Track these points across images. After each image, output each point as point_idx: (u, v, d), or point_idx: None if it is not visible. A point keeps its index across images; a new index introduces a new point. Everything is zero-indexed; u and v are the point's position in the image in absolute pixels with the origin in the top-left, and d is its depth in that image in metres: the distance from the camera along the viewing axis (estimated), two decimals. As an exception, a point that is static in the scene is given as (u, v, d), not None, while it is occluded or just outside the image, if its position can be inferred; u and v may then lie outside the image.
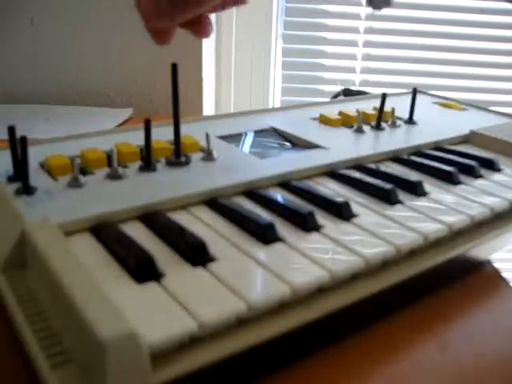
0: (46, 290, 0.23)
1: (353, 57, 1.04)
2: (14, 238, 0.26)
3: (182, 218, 0.29)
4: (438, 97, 0.61)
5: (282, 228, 0.29)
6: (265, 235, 0.28)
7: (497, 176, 0.39)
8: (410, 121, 0.49)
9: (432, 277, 0.29)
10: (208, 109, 0.89)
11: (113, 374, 0.18)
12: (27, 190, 0.30)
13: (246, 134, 0.44)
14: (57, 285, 0.21)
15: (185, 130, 0.38)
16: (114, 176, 0.33)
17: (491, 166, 0.40)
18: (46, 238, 0.24)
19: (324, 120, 0.48)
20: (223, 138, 0.42)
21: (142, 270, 0.24)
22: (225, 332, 0.22)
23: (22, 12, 0.81)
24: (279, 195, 0.33)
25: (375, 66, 1.05)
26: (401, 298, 0.29)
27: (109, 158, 0.34)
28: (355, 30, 1.03)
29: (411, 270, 0.28)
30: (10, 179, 0.32)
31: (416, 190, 0.35)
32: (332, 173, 0.37)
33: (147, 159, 0.35)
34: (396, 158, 0.41)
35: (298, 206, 0.31)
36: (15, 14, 0.81)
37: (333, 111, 0.49)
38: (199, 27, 0.36)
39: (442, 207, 0.33)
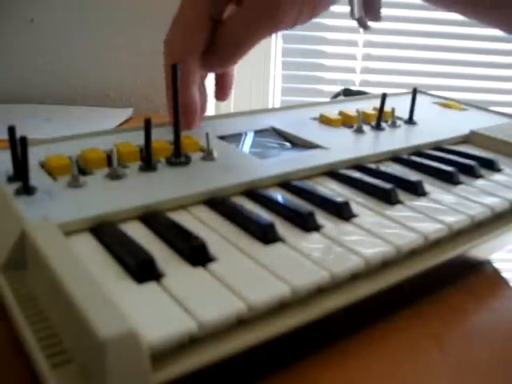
0: (46, 290, 0.23)
1: (353, 57, 1.05)
2: (13, 238, 0.26)
3: (181, 218, 0.29)
4: (438, 97, 0.61)
5: (282, 228, 0.29)
6: (265, 235, 0.28)
7: (497, 176, 0.39)
8: (410, 121, 0.49)
9: (432, 277, 0.29)
10: (208, 109, 0.89)
11: (113, 373, 0.18)
12: (27, 189, 0.30)
13: (245, 134, 0.44)
14: (57, 285, 0.21)
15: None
16: (114, 176, 0.33)
17: (491, 165, 0.40)
18: (46, 238, 0.24)
19: (324, 120, 0.48)
20: (223, 138, 0.42)
21: (142, 269, 0.24)
22: (225, 332, 0.22)
23: (22, 12, 0.81)
24: (279, 195, 0.33)
25: (375, 66, 1.05)
26: (401, 298, 0.29)
27: (109, 158, 0.34)
28: (355, 30, 1.03)
29: (411, 270, 0.28)
30: (10, 179, 0.32)
31: (416, 190, 0.35)
32: (332, 173, 0.37)
33: (147, 159, 0.35)
34: (396, 157, 0.41)
35: (298, 206, 0.31)
36: (15, 14, 0.81)
37: (333, 111, 0.49)
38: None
39: (442, 207, 0.33)
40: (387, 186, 0.34)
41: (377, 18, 0.42)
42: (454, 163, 0.39)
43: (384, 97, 0.46)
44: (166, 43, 0.40)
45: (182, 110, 0.38)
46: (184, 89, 0.39)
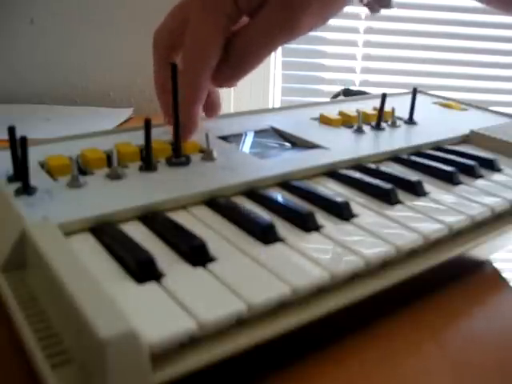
0: (46, 290, 0.23)
1: (353, 57, 1.04)
2: (13, 238, 0.26)
3: (182, 218, 0.29)
4: (438, 97, 0.61)
5: (282, 228, 0.29)
6: (265, 235, 0.28)
7: (497, 176, 0.39)
8: (410, 121, 0.49)
9: (432, 277, 0.29)
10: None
11: (113, 373, 0.18)
12: (27, 189, 0.30)
13: (245, 134, 0.44)
14: (57, 285, 0.21)
15: (185, 129, 0.38)
16: (114, 176, 0.33)
17: (491, 165, 0.40)
18: (46, 238, 0.24)
19: (324, 120, 0.48)
20: (223, 138, 0.42)
21: (142, 269, 0.24)
22: (225, 332, 0.22)
23: (22, 12, 0.81)
24: (279, 195, 0.33)
25: (375, 66, 1.05)
26: (401, 298, 0.29)
27: (109, 158, 0.34)
28: (355, 30, 1.03)
29: (411, 270, 0.28)
30: (10, 179, 0.32)
31: (416, 190, 0.35)
32: (332, 173, 0.37)
33: (147, 159, 0.35)
34: (396, 157, 0.41)
35: (298, 206, 0.31)
36: (15, 14, 0.81)
37: (333, 111, 0.49)
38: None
39: (442, 207, 0.33)
40: (387, 185, 0.34)
41: (388, 4, 0.42)
42: (454, 163, 0.39)
43: (384, 97, 0.46)
44: (155, 39, 0.40)
45: (181, 125, 0.36)
46: (188, 106, 0.38)
